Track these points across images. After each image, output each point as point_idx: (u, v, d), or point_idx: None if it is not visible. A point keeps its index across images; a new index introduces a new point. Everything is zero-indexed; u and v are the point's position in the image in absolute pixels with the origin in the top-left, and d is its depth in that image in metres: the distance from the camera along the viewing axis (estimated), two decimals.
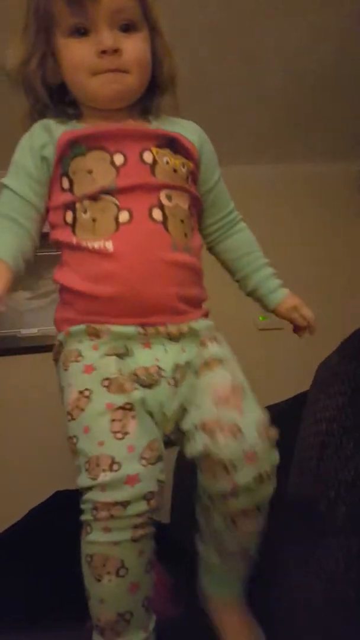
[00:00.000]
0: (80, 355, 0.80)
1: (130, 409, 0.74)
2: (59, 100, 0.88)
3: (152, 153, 0.83)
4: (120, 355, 0.79)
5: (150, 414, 0.79)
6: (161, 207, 0.81)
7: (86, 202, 0.82)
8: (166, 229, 0.81)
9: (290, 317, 0.93)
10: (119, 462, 0.70)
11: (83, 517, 0.72)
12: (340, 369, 0.71)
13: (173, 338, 0.82)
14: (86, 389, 0.76)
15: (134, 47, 0.81)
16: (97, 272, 0.80)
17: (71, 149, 0.83)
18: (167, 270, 0.80)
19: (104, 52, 0.79)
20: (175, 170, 0.85)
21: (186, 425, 0.77)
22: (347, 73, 1.93)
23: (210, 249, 0.99)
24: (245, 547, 0.78)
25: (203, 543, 0.83)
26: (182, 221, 0.83)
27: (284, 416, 1.05)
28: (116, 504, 0.68)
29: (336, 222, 2.41)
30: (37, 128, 0.86)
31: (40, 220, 0.87)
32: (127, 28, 0.81)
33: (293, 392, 1.11)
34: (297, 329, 0.95)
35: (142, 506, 0.69)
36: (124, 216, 0.80)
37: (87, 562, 0.72)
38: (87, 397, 0.76)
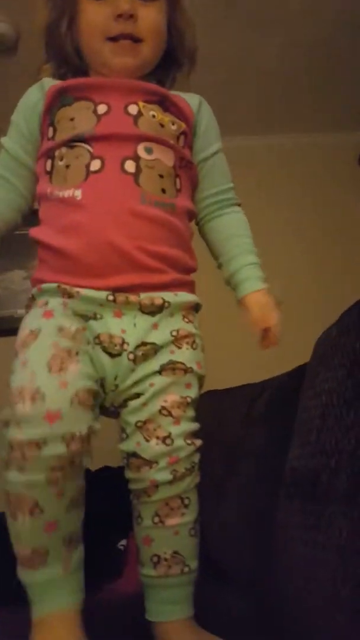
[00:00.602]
0: (46, 304, 0.78)
1: (76, 354, 0.73)
2: (74, 66, 0.89)
3: (138, 106, 0.83)
4: (86, 318, 0.78)
5: (102, 381, 0.79)
6: (136, 159, 0.80)
7: (63, 149, 0.82)
8: (136, 181, 0.80)
9: (255, 315, 0.86)
10: (44, 394, 0.67)
11: (1, 454, 0.70)
12: (339, 342, 0.71)
13: (146, 310, 0.81)
14: (37, 329, 0.75)
15: (150, 15, 0.83)
16: (67, 222, 0.79)
17: (60, 99, 0.84)
18: (133, 222, 0.79)
19: (119, 15, 0.80)
20: (162, 125, 0.84)
21: (128, 417, 0.81)
22: (347, 41, 1.89)
23: (200, 228, 0.96)
24: (177, 550, 0.78)
25: (140, 562, 0.82)
26: (160, 176, 0.82)
27: (284, 389, 1.06)
28: (30, 443, 0.66)
29: (337, 193, 2.40)
30: (34, 87, 0.88)
31: (32, 177, 0.88)
32: None
33: (292, 365, 1.11)
34: (261, 338, 0.87)
35: (59, 449, 0.66)
36: (95, 164, 0.80)
37: (6, 499, 0.71)
38: (36, 335, 0.74)
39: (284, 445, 0.86)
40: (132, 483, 0.81)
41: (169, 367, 0.81)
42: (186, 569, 0.79)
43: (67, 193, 0.80)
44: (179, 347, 0.83)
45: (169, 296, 0.82)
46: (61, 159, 0.82)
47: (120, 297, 0.79)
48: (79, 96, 0.84)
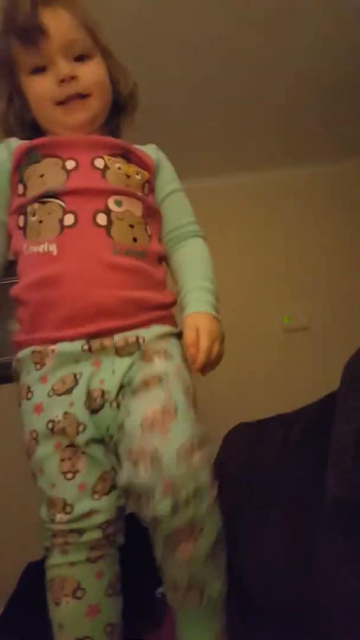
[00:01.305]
0: (29, 391, 0.81)
1: (78, 446, 0.78)
2: (33, 135, 0.93)
3: (104, 160, 0.88)
4: (70, 390, 0.79)
5: (102, 439, 0.80)
6: (107, 212, 0.84)
7: (35, 205, 0.85)
8: (108, 233, 0.83)
9: (185, 337, 0.82)
10: (71, 504, 0.75)
11: (44, 544, 0.77)
12: None
13: (122, 352, 0.81)
14: (34, 430, 0.80)
15: (90, 71, 0.89)
16: (41, 276, 0.81)
17: (27, 157, 0.88)
18: (106, 273, 0.81)
19: (62, 80, 0.86)
20: (128, 176, 0.89)
21: (120, 448, 0.77)
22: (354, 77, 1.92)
23: (167, 261, 0.98)
24: (194, 579, 0.72)
25: (165, 587, 0.78)
26: (131, 226, 0.86)
27: (317, 415, 1.04)
28: (72, 531, 0.74)
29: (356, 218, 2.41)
30: (0, 146, 0.92)
31: (4, 231, 0.91)
32: (82, 57, 0.88)
33: (320, 392, 1.09)
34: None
35: (97, 534, 0.75)
36: (68, 219, 0.83)
37: (48, 588, 0.76)
38: (35, 439, 0.79)
39: (321, 473, 0.84)
40: (140, 518, 0.74)
41: (141, 385, 0.76)
42: (205, 599, 0.73)
43: (42, 248, 0.83)
44: (150, 361, 0.78)
45: (142, 332, 0.83)
46: (33, 215, 0.85)
47: (95, 343, 0.80)
48: (46, 154, 0.88)
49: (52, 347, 0.80)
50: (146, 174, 0.93)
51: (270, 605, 1.01)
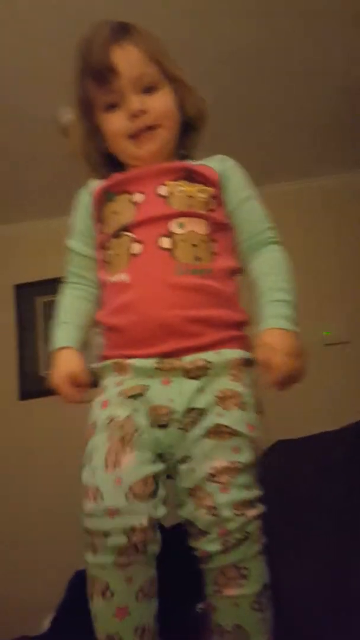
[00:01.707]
0: (104, 390, 0.86)
1: (129, 442, 0.79)
2: (113, 166, 0.99)
3: (167, 186, 0.91)
4: (136, 397, 0.82)
5: (162, 455, 0.82)
6: (170, 235, 0.87)
7: (112, 240, 0.91)
8: (172, 255, 0.85)
9: (258, 353, 0.80)
10: (102, 493, 0.75)
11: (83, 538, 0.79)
12: None
13: (190, 375, 0.82)
14: (94, 422, 0.84)
15: (158, 103, 0.92)
16: (118, 303, 0.87)
17: (104, 197, 0.95)
18: (171, 293, 0.84)
19: (133, 115, 0.90)
20: (191, 197, 0.90)
21: (179, 483, 0.81)
22: None
23: (245, 270, 0.96)
24: (238, 623, 0.75)
25: (211, 629, 0.80)
26: (194, 245, 0.87)
27: None
28: (97, 532, 0.75)
29: None
30: (82, 190, 1.00)
31: (96, 266, 0.98)
32: (150, 89, 0.92)
33: None
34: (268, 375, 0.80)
35: (121, 540, 0.73)
36: (136, 248, 0.87)
37: (87, 581, 0.78)
38: (93, 429, 0.83)
39: None
40: (194, 550, 0.81)
41: (214, 431, 0.80)
42: None
43: (116, 278, 0.89)
44: (226, 409, 0.81)
45: (210, 356, 0.83)
46: (111, 249, 0.91)
47: (166, 363, 0.83)
48: (119, 191, 0.93)
49: (128, 361, 0.85)
50: (211, 190, 0.93)
51: (309, 631, 0.98)
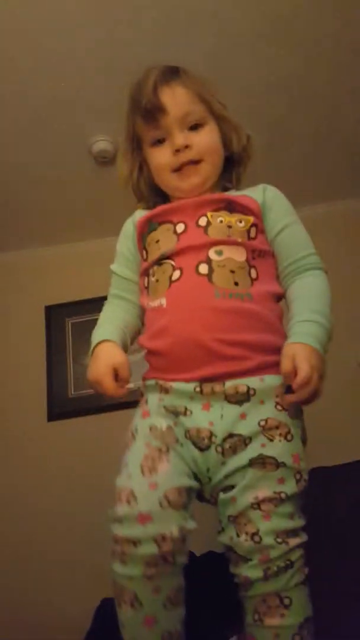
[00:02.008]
0: (146, 402, 0.89)
1: (167, 452, 0.79)
2: (159, 197, 1.05)
3: (207, 217, 0.94)
4: (177, 414, 0.84)
5: (197, 475, 0.82)
6: (208, 262, 0.89)
7: (155, 267, 0.95)
8: (210, 280, 0.87)
9: (282, 365, 0.79)
10: (136, 496, 0.74)
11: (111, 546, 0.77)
12: None
13: (231, 400, 0.82)
14: (135, 429, 0.85)
15: (202, 139, 0.97)
16: (157, 328, 0.89)
17: (148, 226, 0.99)
18: (208, 317, 0.84)
19: (177, 150, 0.95)
20: (230, 226, 0.93)
21: (221, 509, 0.82)
22: None
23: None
24: None
25: None
26: (232, 271, 0.88)
27: None
28: (127, 540, 0.72)
29: None
30: (128, 220, 1.05)
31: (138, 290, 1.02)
32: (196, 126, 0.97)
33: None
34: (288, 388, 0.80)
35: (152, 548, 0.71)
36: (176, 274, 0.90)
37: (113, 587, 0.76)
38: (134, 436, 0.84)
39: None
40: (234, 576, 0.80)
41: (259, 462, 0.79)
42: None
43: (156, 303, 0.91)
44: (271, 440, 0.81)
45: (254, 382, 0.83)
46: (153, 276, 0.95)
47: (207, 387, 0.83)
48: (162, 221, 0.98)
49: (170, 383, 0.86)
50: (250, 219, 0.95)
51: None
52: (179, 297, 0.88)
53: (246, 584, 0.77)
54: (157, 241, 0.96)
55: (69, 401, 2.15)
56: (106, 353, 0.89)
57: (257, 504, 0.78)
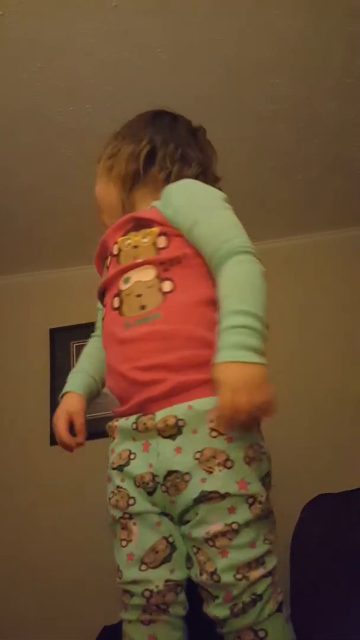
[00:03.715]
0: (108, 460, 0.90)
1: (130, 518, 0.81)
2: None
3: (117, 243, 0.94)
4: (121, 467, 0.83)
5: (164, 512, 0.81)
6: (118, 293, 0.89)
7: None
8: (121, 312, 0.87)
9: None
10: (122, 570, 0.80)
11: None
12: None
13: (164, 434, 0.78)
14: (108, 498, 0.87)
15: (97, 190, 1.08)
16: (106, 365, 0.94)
17: (102, 263, 1.03)
18: (122, 349, 0.85)
19: None
20: (136, 247, 0.91)
21: (186, 543, 0.80)
22: None
23: None
24: None
25: None
26: (138, 296, 0.86)
27: None
28: (125, 591, 0.80)
29: None
30: None
31: None
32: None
33: None
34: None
35: (141, 600, 0.77)
36: (104, 312, 0.95)
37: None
38: (108, 505, 0.87)
39: None
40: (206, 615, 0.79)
41: (202, 499, 0.75)
42: None
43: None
44: (210, 472, 0.75)
45: (182, 412, 0.77)
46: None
47: (140, 424, 0.81)
48: (104, 257, 1.01)
49: (116, 422, 0.88)
50: (155, 230, 0.90)
51: None
52: (105, 335, 0.92)
53: (218, 622, 0.75)
54: (101, 276, 1.01)
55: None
56: (63, 403, 0.99)
57: (211, 540, 0.74)
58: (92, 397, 1.05)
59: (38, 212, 2.09)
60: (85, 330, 2.26)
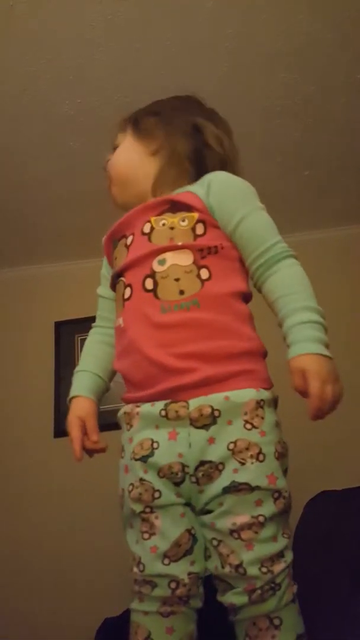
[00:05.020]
0: (123, 450, 0.87)
1: (152, 511, 0.79)
2: None
3: (151, 222, 0.90)
4: (145, 458, 0.80)
5: (188, 503, 0.80)
6: (153, 274, 0.86)
7: (116, 286, 0.95)
8: (156, 295, 0.84)
9: (293, 382, 0.74)
10: (144, 563, 0.78)
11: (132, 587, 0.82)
12: None
13: (197, 424, 0.78)
14: (123, 489, 0.85)
15: (111, 161, 1.03)
16: (120, 349, 0.90)
17: (112, 244, 1.00)
18: (158, 333, 0.82)
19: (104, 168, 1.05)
20: (172, 228, 0.88)
21: (205, 533, 0.80)
22: None
23: (259, 292, 0.90)
24: None
25: None
26: (176, 280, 0.84)
27: None
28: (145, 582, 0.78)
29: None
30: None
31: None
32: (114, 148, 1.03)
33: None
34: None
35: (166, 592, 0.76)
36: (127, 292, 0.89)
37: (131, 628, 0.80)
38: (122, 497, 0.85)
39: None
40: (222, 602, 0.79)
41: (232, 489, 0.76)
42: None
43: (117, 323, 0.91)
44: (243, 463, 0.76)
45: (218, 402, 0.78)
46: (115, 295, 0.96)
47: (171, 412, 0.79)
48: (119, 237, 0.97)
49: (137, 409, 0.84)
50: (195, 215, 0.88)
51: None
52: (131, 316, 0.86)
53: (234, 609, 0.76)
54: (116, 258, 0.96)
55: None
56: (73, 409, 0.95)
57: (236, 532, 0.75)
58: (101, 396, 1.01)
59: (45, 205, 2.09)
60: (90, 323, 2.27)
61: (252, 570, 0.74)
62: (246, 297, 0.89)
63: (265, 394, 0.81)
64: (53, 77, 1.54)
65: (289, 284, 0.82)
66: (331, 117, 1.81)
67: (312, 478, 1.72)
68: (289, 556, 0.78)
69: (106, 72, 1.54)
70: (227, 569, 0.75)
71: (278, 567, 0.75)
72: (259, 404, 0.80)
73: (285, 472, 0.82)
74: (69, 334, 2.31)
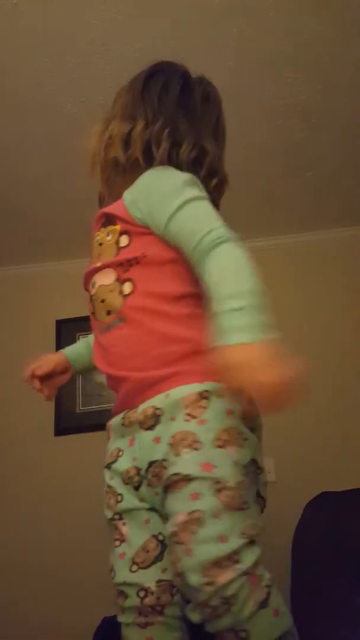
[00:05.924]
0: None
1: (120, 518, 0.79)
2: None
3: (96, 237, 0.91)
4: (110, 465, 0.83)
5: (154, 508, 0.78)
6: (91, 298, 0.89)
7: None
8: (96, 317, 0.88)
9: (222, 379, 0.66)
10: (115, 570, 0.78)
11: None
12: None
13: (144, 426, 0.77)
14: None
15: None
16: None
17: None
18: (104, 353, 0.85)
19: None
20: (101, 244, 0.89)
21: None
22: None
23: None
24: None
25: None
26: (102, 301, 0.85)
27: None
28: (119, 593, 0.77)
29: None
30: None
31: None
32: None
33: None
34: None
35: (136, 601, 0.75)
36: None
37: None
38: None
39: None
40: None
41: (170, 484, 0.71)
42: None
43: None
44: (177, 455, 0.71)
45: (159, 401, 0.76)
46: None
47: (127, 420, 0.81)
48: None
49: (110, 422, 0.87)
50: (117, 227, 0.85)
51: None
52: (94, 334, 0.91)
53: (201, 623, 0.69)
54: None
55: (76, 416, 2.14)
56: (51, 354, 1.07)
57: (177, 535, 0.67)
58: (82, 364, 1.08)
59: (47, 204, 2.09)
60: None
61: (192, 579, 0.65)
62: (186, 297, 0.82)
63: (211, 385, 0.74)
64: (56, 76, 1.54)
65: (218, 273, 0.73)
66: (335, 118, 1.80)
67: (312, 480, 1.72)
68: (248, 558, 0.66)
69: (110, 70, 1.54)
70: (176, 580, 0.70)
71: (225, 576, 0.64)
72: (202, 395, 0.74)
73: (250, 464, 0.74)
74: (70, 332, 2.31)
